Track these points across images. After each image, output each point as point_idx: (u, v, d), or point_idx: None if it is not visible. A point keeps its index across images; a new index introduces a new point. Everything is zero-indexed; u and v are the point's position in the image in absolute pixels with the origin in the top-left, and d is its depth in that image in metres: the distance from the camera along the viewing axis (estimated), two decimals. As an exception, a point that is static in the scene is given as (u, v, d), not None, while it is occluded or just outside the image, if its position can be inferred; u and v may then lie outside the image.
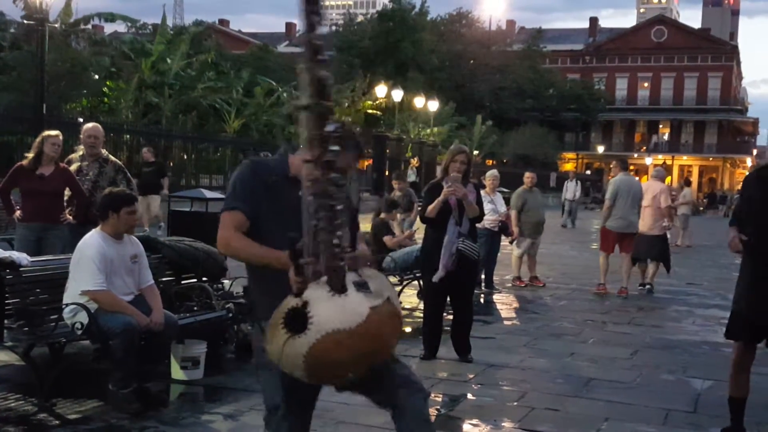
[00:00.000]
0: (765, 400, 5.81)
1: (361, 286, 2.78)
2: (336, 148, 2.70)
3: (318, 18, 2.66)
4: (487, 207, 9.81)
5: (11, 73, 24.43)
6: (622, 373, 6.63)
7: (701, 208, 39.50)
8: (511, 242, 11.52)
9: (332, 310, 2.69)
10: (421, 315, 7.30)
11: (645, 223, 11.16)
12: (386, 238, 9.72)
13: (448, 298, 6.93)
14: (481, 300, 10.32)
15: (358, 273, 2.83)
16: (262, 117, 31.51)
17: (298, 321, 2.68)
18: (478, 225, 7.08)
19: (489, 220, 10.21)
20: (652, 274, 11.60)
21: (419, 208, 8.61)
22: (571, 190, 27.20)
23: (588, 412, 5.49)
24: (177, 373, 5.75)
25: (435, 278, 6.60)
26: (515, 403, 5.63)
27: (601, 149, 67.67)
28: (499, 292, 10.96)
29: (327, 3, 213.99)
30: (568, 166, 64.89)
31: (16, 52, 25.30)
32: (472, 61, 57.56)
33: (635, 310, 10.13)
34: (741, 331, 4.81)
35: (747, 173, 5.39)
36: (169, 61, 30.54)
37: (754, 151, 72.10)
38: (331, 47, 54.63)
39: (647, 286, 11.54)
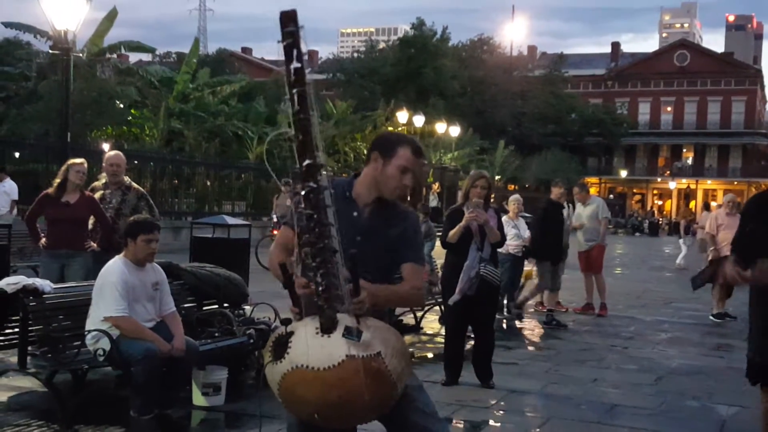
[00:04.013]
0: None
1: (350, 333, 2.70)
2: (312, 184, 2.66)
3: (298, 50, 2.57)
4: (510, 232, 9.79)
5: (38, 102, 24.85)
6: (646, 399, 6.56)
7: None
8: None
9: (308, 347, 2.69)
10: (443, 340, 7.27)
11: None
12: None
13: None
14: (504, 325, 10.26)
15: (358, 320, 2.74)
16: (286, 144, 31.77)
17: (279, 348, 2.75)
18: (501, 250, 7.05)
19: (513, 245, 10.17)
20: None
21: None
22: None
23: (611, 439, 5.42)
24: (198, 399, 5.75)
25: (450, 301, 6.60)
26: (537, 430, 5.57)
27: (624, 174, 67.35)
28: (522, 318, 10.89)
29: (349, 31, 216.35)
30: (592, 191, 64.53)
31: (44, 82, 25.74)
32: (493, 87, 57.68)
33: (659, 335, 10.03)
34: (758, 375, 4.43)
35: (746, 202, 4.92)
36: (194, 89, 30.94)
37: (780, 175, 71.27)
38: (353, 74, 55.01)
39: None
